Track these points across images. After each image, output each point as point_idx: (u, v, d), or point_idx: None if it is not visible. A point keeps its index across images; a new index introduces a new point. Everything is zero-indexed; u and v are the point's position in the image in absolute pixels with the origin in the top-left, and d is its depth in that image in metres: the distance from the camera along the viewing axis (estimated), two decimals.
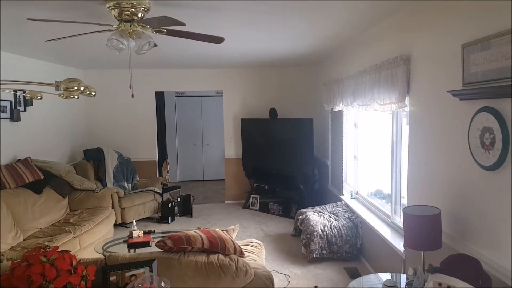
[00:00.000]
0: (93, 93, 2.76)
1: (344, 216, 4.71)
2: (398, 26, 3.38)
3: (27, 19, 2.87)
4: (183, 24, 2.64)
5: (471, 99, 2.23)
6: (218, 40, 3.05)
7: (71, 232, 4.24)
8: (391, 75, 3.30)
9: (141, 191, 6.22)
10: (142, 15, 2.71)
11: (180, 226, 5.96)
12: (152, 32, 2.83)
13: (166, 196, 6.49)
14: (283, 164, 6.54)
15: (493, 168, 2.04)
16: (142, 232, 4.05)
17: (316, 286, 3.84)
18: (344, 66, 5.06)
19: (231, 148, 7.39)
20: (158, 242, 2.55)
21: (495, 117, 2.00)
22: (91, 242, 4.49)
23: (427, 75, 2.87)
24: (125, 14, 2.65)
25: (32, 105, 5.21)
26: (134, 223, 4.25)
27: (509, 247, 1.97)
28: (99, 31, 2.85)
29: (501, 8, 1.98)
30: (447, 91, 2.40)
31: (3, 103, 4.61)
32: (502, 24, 1.96)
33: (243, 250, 2.83)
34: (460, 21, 2.41)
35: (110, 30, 2.78)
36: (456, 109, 2.43)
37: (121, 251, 3.68)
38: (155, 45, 3.41)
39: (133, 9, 2.63)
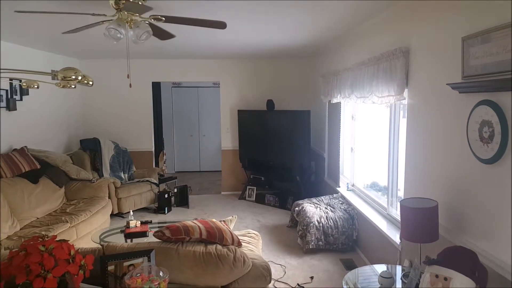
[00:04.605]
0: (91, 83, 2.75)
1: (340, 207, 4.74)
2: (397, 18, 3.36)
3: (15, 11, 2.83)
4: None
5: (470, 92, 2.23)
6: (221, 25, 2.96)
7: (67, 222, 4.24)
8: (389, 67, 3.30)
9: (138, 181, 6.21)
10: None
11: (176, 216, 5.96)
12: (151, 19, 2.80)
13: (162, 186, 6.49)
14: (280, 155, 6.54)
15: (492, 161, 2.05)
16: (139, 222, 4.05)
17: (312, 277, 3.87)
18: (342, 58, 5.05)
19: (228, 139, 7.38)
20: (156, 232, 2.55)
21: (494, 110, 2.00)
22: (88, 232, 4.50)
23: (426, 67, 2.86)
24: (122, 3, 2.61)
25: (28, 94, 5.17)
26: (131, 213, 4.24)
27: (507, 240, 1.99)
28: (102, 22, 2.82)
29: (502, 1, 1.98)
30: (447, 84, 2.40)
31: None
32: (503, 17, 1.95)
33: (240, 240, 2.84)
34: (460, 14, 2.40)
35: (107, 20, 2.75)
36: (455, 102, 2.43)
37: (118, 241, 3.69)
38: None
39: None
